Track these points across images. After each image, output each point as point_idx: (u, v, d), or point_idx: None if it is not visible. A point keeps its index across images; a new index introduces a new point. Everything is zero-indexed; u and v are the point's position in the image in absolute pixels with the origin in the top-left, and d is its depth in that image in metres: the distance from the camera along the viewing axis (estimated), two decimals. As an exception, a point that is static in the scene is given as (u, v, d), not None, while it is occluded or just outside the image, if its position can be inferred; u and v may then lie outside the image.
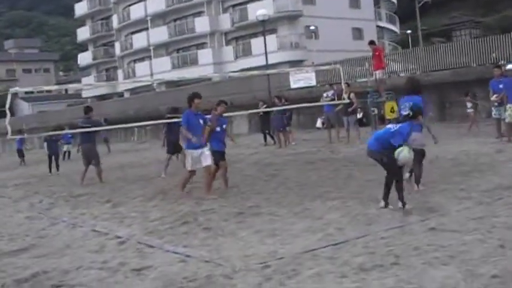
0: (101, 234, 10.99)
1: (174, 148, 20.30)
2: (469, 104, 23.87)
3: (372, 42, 26.41)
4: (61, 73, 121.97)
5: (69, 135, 34.54)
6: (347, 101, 23.56)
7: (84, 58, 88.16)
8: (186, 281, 7.41)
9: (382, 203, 10.81)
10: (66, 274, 8.31)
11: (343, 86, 24.05)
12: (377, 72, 25.04)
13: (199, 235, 10.03)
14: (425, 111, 12.01)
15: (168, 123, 20.61)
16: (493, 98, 20.14)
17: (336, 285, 6.70)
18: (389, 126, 11.06)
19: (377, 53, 25.19)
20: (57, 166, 27.48)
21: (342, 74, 25.68)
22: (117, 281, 7.79)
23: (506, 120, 19.24)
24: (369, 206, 11.03)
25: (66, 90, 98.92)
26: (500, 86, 19.80)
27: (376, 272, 7.06)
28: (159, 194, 15.09)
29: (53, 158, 27.65)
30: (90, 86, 76.32)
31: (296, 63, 56.41)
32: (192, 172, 14.00)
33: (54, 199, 16.49)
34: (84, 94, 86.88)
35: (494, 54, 31.65)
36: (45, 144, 29.43)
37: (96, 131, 20.29)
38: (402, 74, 35.37)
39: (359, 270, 7.17)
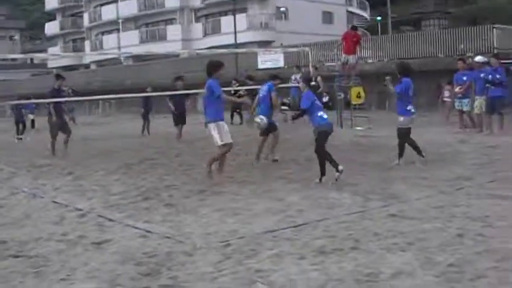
0: (61, 206, 10.91)
1: (178, 119, 20.61)
2: (447, 93, 24.00)
3: (354, 28, 26.51)
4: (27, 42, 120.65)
5: (33, 105, 34.23)
6: (313, 83, 23.57)
7: (51, 27, 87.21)
8: (146, 256, 7.40)
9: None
10: (25, 245, 8.25)
11: (311, 69, 24.10)
12: (350, 56, 25.07)
13: (160, 211, 10.02)
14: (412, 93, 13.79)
15: (172, 94, 20.90)
16: (457, 89, 20.41)
17: (294, 266, 6.72)
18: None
19: (355, 39, 25.20)
20: (22, 133, 28.46)
21: (310, 57, 25.72)
22: (76, 253, 7.75)
23: (475, 111, 19.48)
24: (330, 190, 11.09)
25: (31, 59, 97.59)
26: (464, 78, 20.09)
27: (335, 255, 7.10)
28: (121, 168, 15.04)
29: (20, 125, 28.89)
30: (56, 56, 75.58)
31: (265, 44, 56.40)
32: (228, 145, 12.65)
33: (15, 169, 16.31)
34: (50, 64, 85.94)
35: (462, 46, 31.89)
36: (12, 112, 30.09)
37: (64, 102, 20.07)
38: (370, 61, 35.51)
39: (318, 253, 7.21)
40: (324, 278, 6.29)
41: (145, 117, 27.03)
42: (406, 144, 13.65)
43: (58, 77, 19.82)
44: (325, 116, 12.10)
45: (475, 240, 7.49)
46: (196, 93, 28.13)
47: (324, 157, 11.92)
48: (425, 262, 6.66)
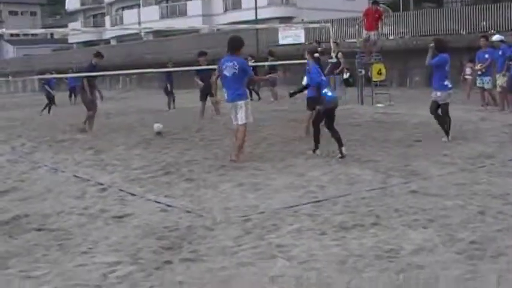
0: (82, 180, 10.97)
1: (204, 95, 20.67)
2: (468, 71, 23.83)
3: (375, 3, 26.23)
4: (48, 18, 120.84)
5: (54, 80, 34.39)
6: (334, 60, 23.52)
7: (72, 3, 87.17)
8: (167, 230, 7.43)
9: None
10: (47, 218, 8.31)
11: (332, 44, 23.97)
12: (371, 33, 24.89)
13: (181, 185, 10.05)
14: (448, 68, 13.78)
15: (198, 70, 20.91)
16: (478, 67, 20.28)
17: (315, 242, 6.73)
18: None
19: (377, 15, 25.00)
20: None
21: (331, 32, 25.58)
22: (98, 227, 7.80)
23: (498, 88, 19.35)
24: (351, 166, 11.08)
25: (52, 34, 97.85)
26: (486, 56, 19.93)
27: (356, 231, 7.10)
28: (142, 143, 15.08)
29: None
30: (77, 32, 75.56)
31: (286, 20, 56.10)
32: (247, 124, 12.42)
33: (37, 143, 16.40)
34: (71, 39, 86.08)
35: (484, 23, 31.59)
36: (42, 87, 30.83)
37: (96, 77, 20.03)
38: (391, 37, 35.27)
39: (339, 228, 7.22)
40: (344, 253, 6.30)
41: (170, 93, 27.09)
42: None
43: (97, 54, 19.72)
44: (329, 93, 12.16)
45: (496, 218, 7.46)
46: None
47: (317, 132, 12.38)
48: (446, 239, 6.65)
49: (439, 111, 13.75)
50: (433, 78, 13.93)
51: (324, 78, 12.29)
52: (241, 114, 12.05)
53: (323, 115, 12.14)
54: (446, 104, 13.70)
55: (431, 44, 13.79)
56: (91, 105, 18.75)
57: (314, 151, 12.26)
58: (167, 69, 26.46)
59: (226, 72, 11.93)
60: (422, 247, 6.40)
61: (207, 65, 21.13)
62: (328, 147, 12.31)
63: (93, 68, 19.36)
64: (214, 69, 20.34)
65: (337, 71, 24.67)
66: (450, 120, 13.80)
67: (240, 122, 12.08)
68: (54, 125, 21.21)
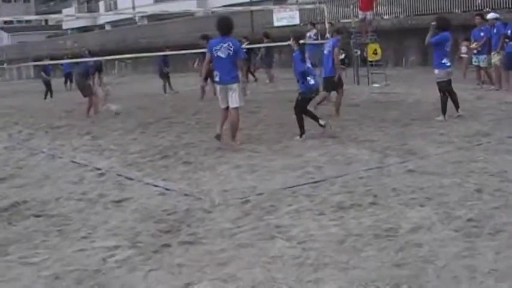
0: (80, 165, 10.99)
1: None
2: (464, 49, 23.78)
3: None
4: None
5: (50, 67, 34.34)
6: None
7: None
8: (166, 213, 7.46)
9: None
10: (46, 204, 8.34)
11: (327, 25, 23.94)
12: (367, 13, 24.84)
13: (179, 169, 10.08)
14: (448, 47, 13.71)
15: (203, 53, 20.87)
16: (474, 45, 20.24)
17: (313, 222, 6.76)
18: None
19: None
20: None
21: (326, 13, 25.53)
22: (97, 211, 7.83)
23: (493, 63, 19.32)
24: (348, 146, 11.11)
25: (46, 21, 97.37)
26: (481, 34, 19.88)
27: (354, 210, 7.13)
28: (138, 128, 15.08)
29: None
30: (71, 17, 75.28)
31: (280, 1, 55.90)
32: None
33: (34, 130, 16.42)
34: (65, 26, 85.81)
35: (479, 1, 31.50)
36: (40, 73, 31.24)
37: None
38: (386, 17, 35.18)
39: (337, 208, 7.24)
40: (343, 233, 6.33)
41: (165, 76, 27.06)
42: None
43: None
44: (311, 82, 12.14)
45: (493, 195, 7.49)
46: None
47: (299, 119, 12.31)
48: (444, 217, 6.68)
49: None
50: (433, 57, 13.96)
51: (309, 65, 12.27)
52: (235, 97, 11.81)
53: (302, 102, 12.22)
54: (444, 82, 13.68)
55: (433, 23, 13.77)
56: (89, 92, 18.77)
57: (301, 136, 12.21)
58: (163, 52, 26.36)
59: (221, 54, 11.63)
60: (420, 225, 6.43)
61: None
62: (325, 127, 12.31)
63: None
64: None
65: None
66: (455, 96, 13.96)
67: (233, 105, 11.84)
68: (51, 112, 21.19)
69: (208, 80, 19.89)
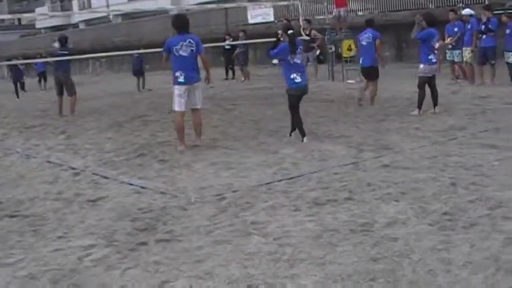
0: (55, 165, 10.94)
1: None
2: (436, 45, 23.88)
3: None
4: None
5: (23, 66, 34.21)
6: (306, 37, 23.56)
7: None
8: (142, 212, 7.45)
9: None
10: (21, 204, 8.29)
11: (301, 22, 23.98)
12: (341, 9, 24.92)
13: (154, 167, 10.06)
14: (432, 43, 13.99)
15: None
16: (448, 41, 20.35)
17: (289, 218, 6.78)
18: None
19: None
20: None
21: (300, 10, 25.55)
22: (73, 211, 7.79)
23: (465, 60, 19.48)
24: (324, 142, 11.14)
25: (19, 20, 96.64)
26: (455, 29, 20.02)
27: (329, 206, 7.16)
28: (114, 126, 15.04)
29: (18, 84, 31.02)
30: (44, 16, 74.88)
31: (254, -2, 55.93)
32: None
33: (8, 130, 16.29)
34: (38, 25, 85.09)
35: (452, -4, 31.68)
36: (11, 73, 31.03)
37: (69, 60, 19.69)
38: (360, 13, 35.26)
39: (313, 204, 7.27)
40: (319, 228, 6.35)
41: (140, 74, 27.03)
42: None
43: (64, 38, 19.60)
44: (297, 80, 11.51)
45: (468, 189, 7.54)
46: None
47: (295, 120, 11.81)
48: (419, 211, 6.72)
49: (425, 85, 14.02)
50: (420, 52, 14.08)
51: (297, 60, 11.53)
52: (200, 95, 11.69)
53: (289, 100, 11.83)
54: (425, 77, 13.92)
55: (418, 18, 13.91)
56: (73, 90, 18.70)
57: (290, 134, 11.91)
58: (138, 51, 26.29)
59: (183, 52, 11.20)
60: (396, 220, 6.47)
61: None
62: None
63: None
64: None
65: (315, 44, 24.67)
66: (436, 92, 14.14)
67: (199, 105, 11.72)
68: (25, 111, 21.05)
69: None
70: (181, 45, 11.19)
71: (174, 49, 11.20)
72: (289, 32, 11.47)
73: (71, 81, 18.80)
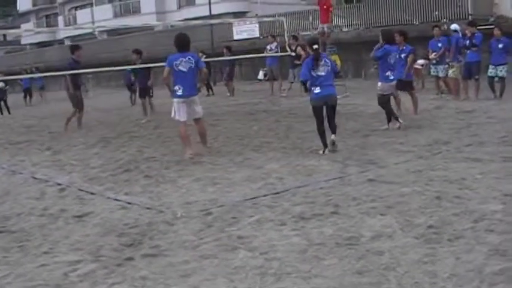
0: (41, 181, 10.90)
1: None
2: (420, 61, 24.05)
3: None
4: None
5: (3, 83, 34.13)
6: (292, 53, 23.73)
7: (24, 4, 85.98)
8: (128, 227, 7.44)
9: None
10: (7, 220, 8.26)
11: (286, 38, 24.11)
12: (324, 26, 25.05)
13: (140, 182, 10.05)
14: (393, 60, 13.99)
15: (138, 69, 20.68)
16: (432, 56, 20.51)
17: (275, 232, 6.80)
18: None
19: (325, 6, 25.14)
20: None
21: (285, 26, 25.68)
22: (58, 227, 7.78)
23: (449, 75, 19.63)
24: (309, 157, 11.18)
25: (4, 36, 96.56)
26: (439, 45, 20.18)
27: (315, 220, 7.18)
28: (100, 142, 15.00)
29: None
30: (30, 32, 74.79)
31: (240, 14, 56.09)
32: None
33: (-7, 146, 16.25)
34: (24, 41, 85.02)
35: (436, 13, 31.88)
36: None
37: (80, 74, 19.46)
38: (345, 29, 35.45)
39: (299, 218, 7.29)
40: (305, 242, 6.37)
41: (131, 88, 27.08)
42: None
43: (76, 47, 19.25)
44: (316, 91, 11.70)
45: (452, 202, 7.60)
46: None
47: (318, 131, 11.86)
48: (404, 224, 6.76)
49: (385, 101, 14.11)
50: (378, 70, 14.21)
51: (320, 73, 11.69)
52: (199, 108, 12.36)
53: (314, 113, 11.94)
54: (383, 95, 14.01)
55: (379, 45, 14.03)
56: (80, 104, 18.57)
57: (324, 151, 11.67)
58: (129, 66, 26.20)
59: (182, 68, 11.91)
60: (381, 233, 6.50)
61: (141, 63, 20.82)
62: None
63: (75, 64, 18.65)
64: (150, 68, 20.08)
65: (299, 61, 24.79)
66: (386, 110, 14.13)
67: (200, 116, 12.34)
68: (10, 127, 21.00)
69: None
70: (181, 61, 11.96)
71: (174, 64, 11.95)
72: (314, 46, 11.85)
73: (81, 97, 18.74)
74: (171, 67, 11.97)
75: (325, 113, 11.92)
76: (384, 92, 13.89)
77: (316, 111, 11.89)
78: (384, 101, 13.89)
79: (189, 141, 12.23)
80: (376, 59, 13.97)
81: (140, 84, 20.64)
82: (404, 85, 15.36)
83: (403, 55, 15.60)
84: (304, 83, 12.10)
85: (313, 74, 11.71)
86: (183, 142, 12.25)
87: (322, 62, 11.75)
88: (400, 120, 13.75)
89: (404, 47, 15.41)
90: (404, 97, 15.71)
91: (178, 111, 12.09)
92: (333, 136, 11.74)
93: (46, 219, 8.20)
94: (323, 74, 11.74)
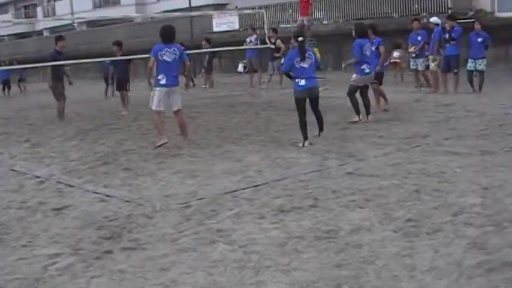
0: (19, 173, 10.83)
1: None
2: (396, 54, 24.12)
3: None
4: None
5: None
6: (271, 46, 23.75)
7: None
8: (107, 220, 7.42)
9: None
10: (-16, 213, 8.22)
11: (266, 30, 24.12)
12: (304, 18, 25.09)
13: (119, 175, 10.02)
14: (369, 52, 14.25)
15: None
16: (411, 49, 20.56)
17: (254, 225, 6.80)
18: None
19: (305, -1, 25.22)
20: None
21: (265, 18, 25.68)
22: (37, 220, 7.73)
23: (430, 69, 19.73)
24: (288, 150, 11.19)
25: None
26: (419, 38, 20.24)
27: (294, 213, 7.19)
28: (78, 134, 14.95)
29: None
30: (8, 23, 74.21)
31: (220, 7, 55.96)
32: None
33: (-30, 138, 16.13)
34: (2, 32, 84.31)
35: (416, 6, 31.97)
36: None
37: (63, 65, 19.33)
38: (325, 22, 35.48)
39: (278, 211, 7.29)
40: (284, 235, 6.38)
41: (108, 81, 26.93)
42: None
43: (59, 38, 19.13)
44: (301, 83, 11.81)
45: (431, 195, 7.64)
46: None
47: (299, 123, 11.92)
48: (383, 218, 6.78)
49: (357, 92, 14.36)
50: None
51: (303, 65, 11.80)
52: (179, 99, 12.54)
53: (297, 105, 11.99)
54: (355, 86, 14.23)
55: (346, 63, 14.23)
56: (61, 96, 18.45)
57: (303, 143, 11.70)
58: (106, 58, 26.04)
59: (167, 58, 12.08)
60: (360, 227, 6.52)
61: (121, 55, 20.64)
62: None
63: (58, 55, 18.62)
64: (129, 60, 19.93)
65: (279, 54, 24.85)
66: (368, 101, 14.47)
67: (179, 107, 12.46)
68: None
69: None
70: (166, 52, 12.15)
71: (159, 54, 12.12)
72: (299, 39, 11.91)
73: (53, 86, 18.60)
74: (156, 57, 12.10)
75: (308, 105, 11.95)
76: (357, 84, 14.01)
77: (299, 103, 11.95)
78: (352, 91, 14.14)
79: (164, 129, 12.36)
80: (358, 56, 13.98)
81: (118, 77, 20.41)
82: (375, 76, 15.38)
83: (373, 47, 15.63)
84: (287, 74, 12.13)
85: (297, 65, 11.81)
86: (158, 129, 12.41)
87: (307, 55, 11.84)
88: (361, 117, 13.95)
89: (374, 40, 15.43)
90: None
91: (158, 101, 12.22)
92: (321, 134, 12.18)
93: (25, 212, 8.15)
94: (306, 66, 11.84)
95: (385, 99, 15.98)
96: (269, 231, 6.56)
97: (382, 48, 15.65)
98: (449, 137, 11.70)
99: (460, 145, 10.78)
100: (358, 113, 13.89)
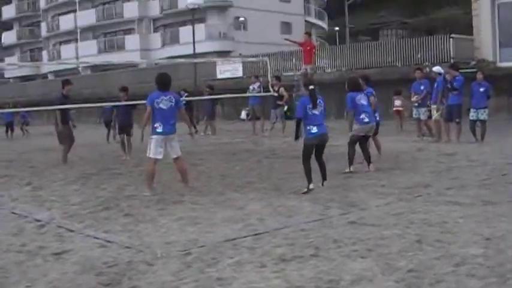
0: (20, 217, 10.80)
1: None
2: (398, 102, 24.21)
3: (307, 34, 26.58)
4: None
5: None
6: (274, 93, 23.85)
7: (8, 37, 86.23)
8: (107, 266, 7.37)
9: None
10: (-17, 256, 8.18)
11: (270, 78, 24.25)
12: (307, 67, 25.25)
13: (120, 221, 9.97)
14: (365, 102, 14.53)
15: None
16: (414, 98, 20.67)
17: (255, 274, 6.75)
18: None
19: (308, 48, 25.38)
20: None
21: (269, 66, 25.83)
22: (36, 264, 7.69)
23: (433, 119, 19.78)
24: (290, 198, 11.16)
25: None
26: (422, 87, 20.37)
27: (295, 262, 7.14)
28: (80, 178, 14.94)
29: None
30: (13, 66, 74.81)
31: (223, 54, 56.42)
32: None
33: (-28, 180, 16.12)
34: (7, 74, 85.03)
35: (419, 55, 32.21)
36: None
37: (69, 109, 19.36)
38: (328, 70, 35.69)
39: (279, 260, 7.25)
40: (285, 285, 6.33)
41: (112, 125, 26.95)
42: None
43: (66, 81, 19.09)
44: (313, 130, 11.90)
45: (433, 246, 7.59)
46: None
47: (305, 168, 11.89)
48: (385, 268, 6.73)
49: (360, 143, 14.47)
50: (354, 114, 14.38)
51: (315, 111, 11.96)
52: (177, 146, 12.53)
53: (304, 150, 12.00)
54: (356, 136, 14.37)
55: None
56: (66, 140, 18.50)
57: (308, 188, 11.71)
58: (111, 103, 26.07)
59: (163, 106, 12.16)
60: (362, 277, 6.47)
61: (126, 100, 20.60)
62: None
63: (65, 99, 18.68)
64: (133, 105, 19.92)
65: (282, 102, 24.95)
66: (349, 152, 14.43)
67: (178, 154, 12.50)
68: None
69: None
70: (162, 99, 12.22)
71: (155, 102, 12.18)
72: (310, 87, 12.08)
73: (59, 130, 18.69)
74: (152, 105, 12.18)
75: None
76: (358, 133, 14.09)
77: (307, 150, 11.99)
78: (353, 141, 14.25)
79: (153, 181, 12.51)
80: (351, 108, 14.12)
81: (121, 122, 20.32)
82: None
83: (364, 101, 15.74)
84: (298, 123, 12.12)
85: (310, 112, 11.92)
86: (147, 179, 12.52)
87: (318, 102, 12.01)
88: (352, 169, 14.06)
89: (366, 90, 15.47)
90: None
91: (155, 149, 12.24)
92: (324, 183, 12.11)
93: (24, 255, 8.10)
94: (317, 113, 12.01)
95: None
96: (270, 280, 6.51)
97: (372, 99, 15.66)
98: (451, 186, 11.68)
99: (462, 195, 10.77)
100: (351, 163, 14.07)
